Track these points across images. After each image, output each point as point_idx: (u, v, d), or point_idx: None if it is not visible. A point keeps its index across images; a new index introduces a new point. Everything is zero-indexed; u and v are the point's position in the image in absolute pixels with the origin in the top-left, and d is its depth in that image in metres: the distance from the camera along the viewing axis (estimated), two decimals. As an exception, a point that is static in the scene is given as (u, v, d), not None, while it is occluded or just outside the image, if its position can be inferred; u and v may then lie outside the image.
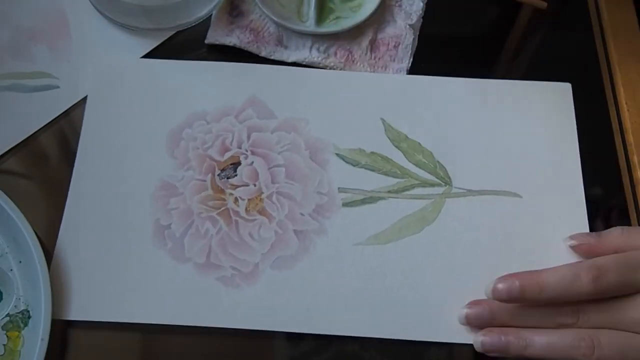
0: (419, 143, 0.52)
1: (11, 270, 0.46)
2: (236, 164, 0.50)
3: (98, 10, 0.56)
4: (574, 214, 0.49)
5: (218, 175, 0.50)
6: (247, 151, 0.51)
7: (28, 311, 0.45)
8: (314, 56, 0.54)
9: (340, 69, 0.54)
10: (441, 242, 0.48)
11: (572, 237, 0.48)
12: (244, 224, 0.48)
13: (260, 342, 0.46)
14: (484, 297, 0.46)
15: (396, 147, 0.52)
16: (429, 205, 0.50)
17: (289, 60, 0.55)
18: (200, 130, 0.51)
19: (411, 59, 0.55)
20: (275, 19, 0.54)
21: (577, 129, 0.52)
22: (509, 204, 0.50)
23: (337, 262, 0.48)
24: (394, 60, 0.54)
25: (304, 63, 0.54)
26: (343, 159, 0.51)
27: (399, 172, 0.51)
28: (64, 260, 0.47)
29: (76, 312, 0.45)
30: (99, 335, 0.45)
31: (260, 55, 0.55)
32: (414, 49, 0.55)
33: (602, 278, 0.43)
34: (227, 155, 0.51)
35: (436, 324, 0.46)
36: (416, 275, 0.47)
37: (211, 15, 0.55)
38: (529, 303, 0.44)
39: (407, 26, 0.55)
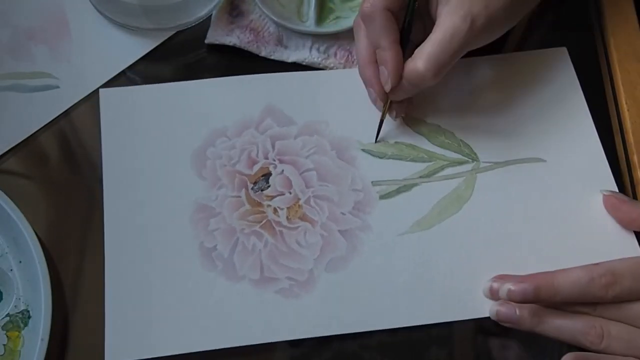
0: (439, 125, 0.53)
1: (11, 270, 0.46)
2: (267, 175, 0.50)
3: (98, 10, 0.55)
4: (597, 168, 0.51)
5: (252, 188, 0.50)
6: (275, 160, 0.51)
7: (28, 311, 0.45)
8: (314, 56, 0.55)
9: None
10: (481, 216, 0.50)
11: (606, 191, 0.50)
12: (289, 232, 0.48)
13: (260, 344, 0.46)
14: (533, 262, 0.47)
15: (417, 132, 0.52)
16: (462, 184, 0.51)
17: (289, 61, 0.55)
18: (224, 147, 0.51)
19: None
20: (275, 19, 0.54)
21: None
22: (535, 170, 0.51)
23: (387, 254, 0.48)
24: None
25: (304, 63, 0.55)
26: (370, 153, 0.51)
27: (426, 157, 0.52)
28: (117, 301, 0.46)
29: (137, 351, 0.44)
30: (99, 335, 0.45)
31: (260, 55, 0.55)
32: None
33: (616, 285, 0.44)
34: (256, 167, 0.50)
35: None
36: (466, 254, 0.48)
37: (211, 15, 0.55)
38: (542, 304, 0.45)
39: None
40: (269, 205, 0.49)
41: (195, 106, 0.52)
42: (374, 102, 0.51)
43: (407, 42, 0.49)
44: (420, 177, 0.51)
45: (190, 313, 0.46)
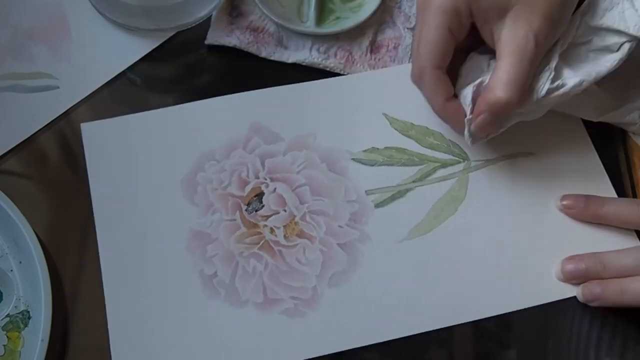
0: (427, 127, 0.52)
1: (11, 270, 0.46)
2: (260, 195, 0.50)
3: (98, 11, 0.55)
4: (585, 157, 0.52)
5: (246, 210, 0.49)
6: (266, 179, 0.50)
7: (28, 312, 0.45)
8: (314, 57, 0.54)
9: (341, 70, 0.54)
10: (478, 215, 0.50)
11: (563, 198, 0.50)
12: (288, 251, 0.48)
13: None
14: (534, 255, 0.48)
15: (406, 136, 0.52)
16: (456, 184, 0.51)
17: (289, 61, 0.54)
18: (213, 171, 0.50)
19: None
20: (276, 19, 0.54)
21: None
22: (525, 163, 0.51)
23: (388, 263, 0.48)
24: (394, 61, 0.55)
25: (304, 64, 0.54)
26: (360, 162, 0.51)
27: (417, 159, 0.51)
28: (121, 336, 0.45)
29: None
30: (99, 336, 0.45)
31: (260, 55, 0.54)
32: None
33: None
34: (248, 188, 0.50)
35: (499, 296, 0.47)
36: (466, 255, 0.48)
37: (211, 15, 0.55)
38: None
39: (406, 29, 0.55)
40: (265, 226, 0.49)
41: (180, 131, 0.51)
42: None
43: None
44: (413, 181, 0.51)
45: (196, 343, 0.45)
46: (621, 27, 0.46)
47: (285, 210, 0.49)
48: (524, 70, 0.45)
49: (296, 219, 0.49)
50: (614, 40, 0.47)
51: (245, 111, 0.52)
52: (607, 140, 0.53)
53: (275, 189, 0.50)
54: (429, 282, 0.47)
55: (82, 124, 0.51)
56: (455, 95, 0.49)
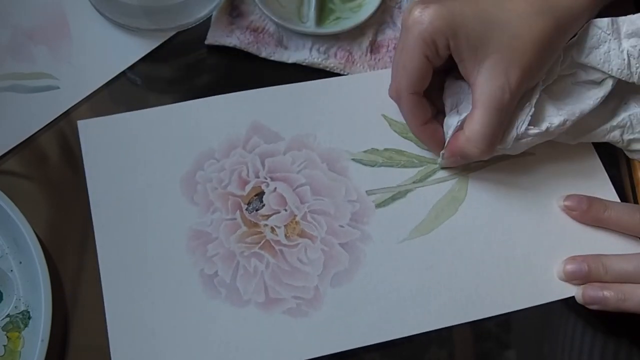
0: (426, 129, 0.52)
1: (11, 271, 0.46)
2: (260, 194, 0.49)
3: (98, 11, 0.55)
4: (586, 156, 0.52)
5: (246, 209, 0.49)
6: (266, 178, 0.50)
7: (28, 312, 0.45)
8: (314, 57, 0.54)
9: (341, 70, 0.54)
10: (478, 215, 0.50)
11: (566, 198, 0.50)
12: (289, 250, 0.48)
13: None
14: (534, 255, 0.48)
15: (405, 138, 0.52)
16: (456, 185, 0.51)
17: (289, 61, 0.54)
18: (213, 170, 0.50)
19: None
20: (276, 19, 0.54)
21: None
22: (525, 164, 0.52)
23: (390, 263, 0.48)
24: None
25: (304, 64, 0.54)
26: (360, 163, 0.51)
27: (416, 161, 0.51)
28: (121, 336, 0.44)
29: None
30: (99, 336, 0.45)
31: (260, 56, 0.54)
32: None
33: None
34: (248, 187, 0.50)
35: (499, 296, 0.47)
36: (467, 255, 0.48)
37: (211, 16, 0.55)
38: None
39: None
40: (265, 225, 0.48)
41: (179, 130, 0.51)
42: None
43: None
44: (414, 182, 0.51)
45: (197, 344, 0.45)
46: (604, 69, 0.48)
47: (286, 210, 0.49)
48: (496, 121, 0.46)
49: (297, 219, 0.49)
50: (597, 75, 0.49)
51: (245, 110, 0.52)
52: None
53: (275, 188, 0.50)
54: (431, 282, 0.47)
55: (78, 122, 0.51)
56: (435, 115, 0.50)
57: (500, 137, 0.47)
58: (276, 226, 0.48)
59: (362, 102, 0.53)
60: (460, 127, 0.48)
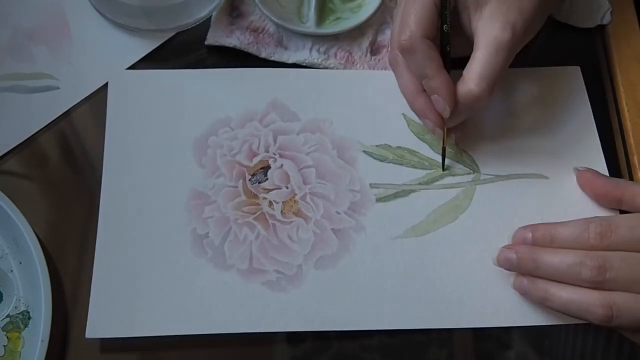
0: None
1: (11, 271, 0.46)
2: (266, 168, 0.50)
3: (98, 11, 0.55)
4: None
5: (249, 180, 0.50)
6: (275, 154, 0.51)
7: (28, 312, 0.45)
8: (314, 57, 0.55)
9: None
10: (476, 228, 0.49)
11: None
12: (282, 226, 0.48)
13: (260, 344, 0.46)
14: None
15: (421, 139, 0.52)
16: (461, 194, 0.50)
17: (289, 62, 0.55)
18: (226, 137, 0.51)
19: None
20: (275, 20, 0.54)
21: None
22: (537, 186, 0.51)
23: (378, 257, 0.48)
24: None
25: (304, 64, 0.55)
26: (371, 156, 0.51)
27: (427, 164, 0.51)
28: (104, 277, 0.46)
29: (119, 329, 0.45)
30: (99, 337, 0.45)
31: (260, 56, 0.55)
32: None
33: (610, 233, 0.44)
34: (256, 160, 0.51)
35: (480, 310, 0.46)
36: (456, 264, 0.48)
37: (211, 16, 0.55)
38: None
39: None
40: (264, 198, 0.49)
41: (201, 95, 0.53)
42: (432, 131, 0.50)
43: (449, 65, 0.49)
44: (420, 184, 0.51)
45: (175, 297, 0.46)
46: None
47: (287, 187, 0.50)
48: (498, 63, 0.46)
49: (296, 198, 0.49)
50: None
51: (268, 86, 0.53)
52: (607, 142, 0.53)
53: (282, 165, 0.51)
54: (414, 283, 0.47)
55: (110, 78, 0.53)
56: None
57: (500, 79, 0.47)
58: (275, 201, 0.49)
59: (384, 98, 0.53)
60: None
